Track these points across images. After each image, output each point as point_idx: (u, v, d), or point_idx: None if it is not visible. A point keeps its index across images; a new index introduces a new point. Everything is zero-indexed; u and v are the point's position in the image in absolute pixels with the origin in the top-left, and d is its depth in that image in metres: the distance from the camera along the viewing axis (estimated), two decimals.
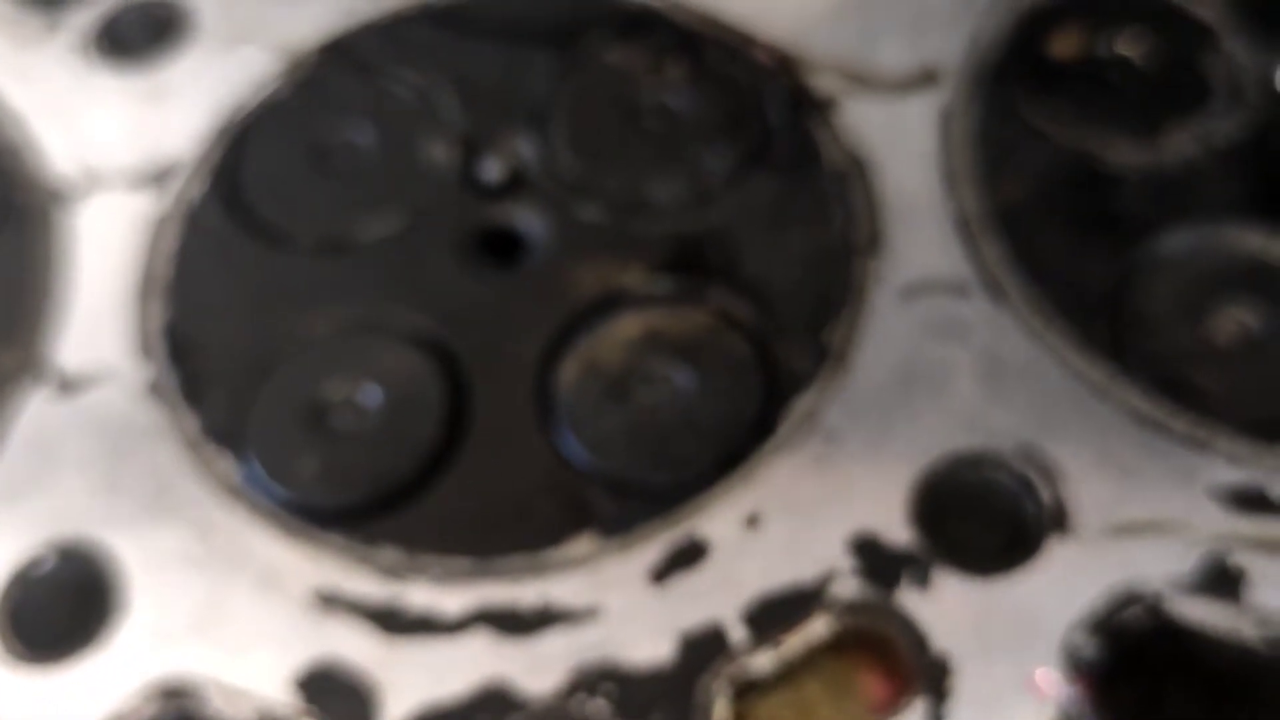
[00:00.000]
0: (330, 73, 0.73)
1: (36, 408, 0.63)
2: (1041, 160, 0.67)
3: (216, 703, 0.55)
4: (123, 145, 0.71)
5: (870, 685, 0.60)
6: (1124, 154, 0.66)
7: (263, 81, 0.73)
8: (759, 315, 0.63)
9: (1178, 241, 0.63)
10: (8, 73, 0.74)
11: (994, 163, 0.67)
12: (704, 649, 0.55)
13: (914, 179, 0.67)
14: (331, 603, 0.57)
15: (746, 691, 0.58)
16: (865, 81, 0.70)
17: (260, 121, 0.71)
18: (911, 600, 0.55)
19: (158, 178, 0.70)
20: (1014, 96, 0.68)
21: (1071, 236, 0.64)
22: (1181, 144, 0.66)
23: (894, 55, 0.70)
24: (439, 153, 0.69)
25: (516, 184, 0.68)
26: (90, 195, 0.70)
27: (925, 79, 0.69)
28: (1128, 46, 0.69)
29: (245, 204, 0.69)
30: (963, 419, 0.59)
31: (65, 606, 0.58)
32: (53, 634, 0.57)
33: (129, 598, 0.58)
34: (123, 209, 0.69)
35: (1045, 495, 0.57)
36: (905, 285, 0.63)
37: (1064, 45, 0.70)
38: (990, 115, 0.68)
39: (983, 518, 0.59)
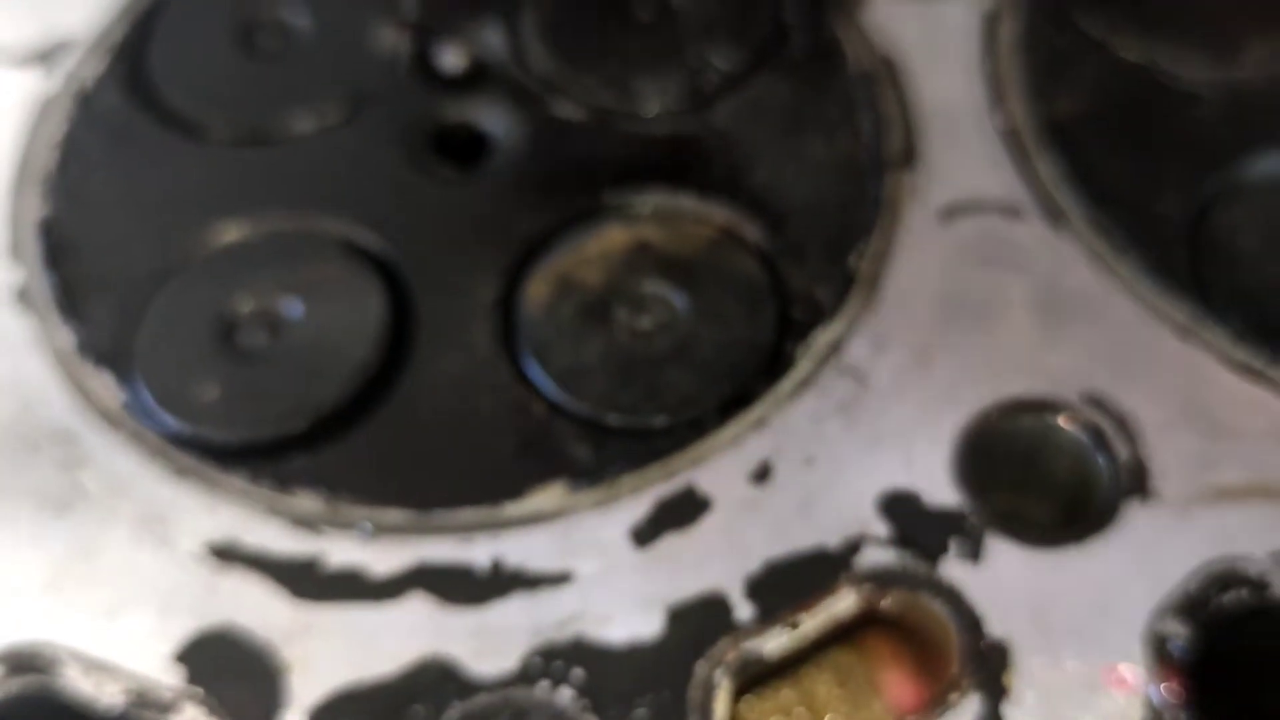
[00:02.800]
0: None
1: None
2: (1102, 73, 0.57)
3: (77, 679, 0.43)
4: (6, 15, 0.60)
5: (894, 684, 0.49)
6: (1198, 70, 0.57)
7: None
8: (771, 233, 0.52)
9: (1266, 166, 0.54)
10: None
11: (1047, 73, 0.57)
12: (701, 627, 0.44)
13: (954, 86, 0.57)
14: (229, 558, 0.46)
15: (746, 686, 0.47)
16: None
17: None
18: (960, 574, 0.45)
19: (46, 54, 0.59)
20: (1068, 3, 0.59)
21: (1140, 158, 0.54)
22: (1265, 60, 0.57)
23: None
24: (386, 35, 0.58)
25: (479, 75, 0.57)
26: None
27: None
28: None
29: (151, 87, 0.58)
30: (1019, 360, 0.49)
31: None
32: None
33: None
34: (2, 89, 0.57)
35: (1121, 451, 0.47)
36: (946, 204, 0.53)
37: None
38: (1042, 21, 0.58)
39: (1045, 477, 0.49)
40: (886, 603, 0.44)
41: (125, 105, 0.57)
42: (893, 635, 0.49)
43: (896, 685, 0.49)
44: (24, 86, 0.58)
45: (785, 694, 0.49)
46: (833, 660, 0.50)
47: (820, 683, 0.50)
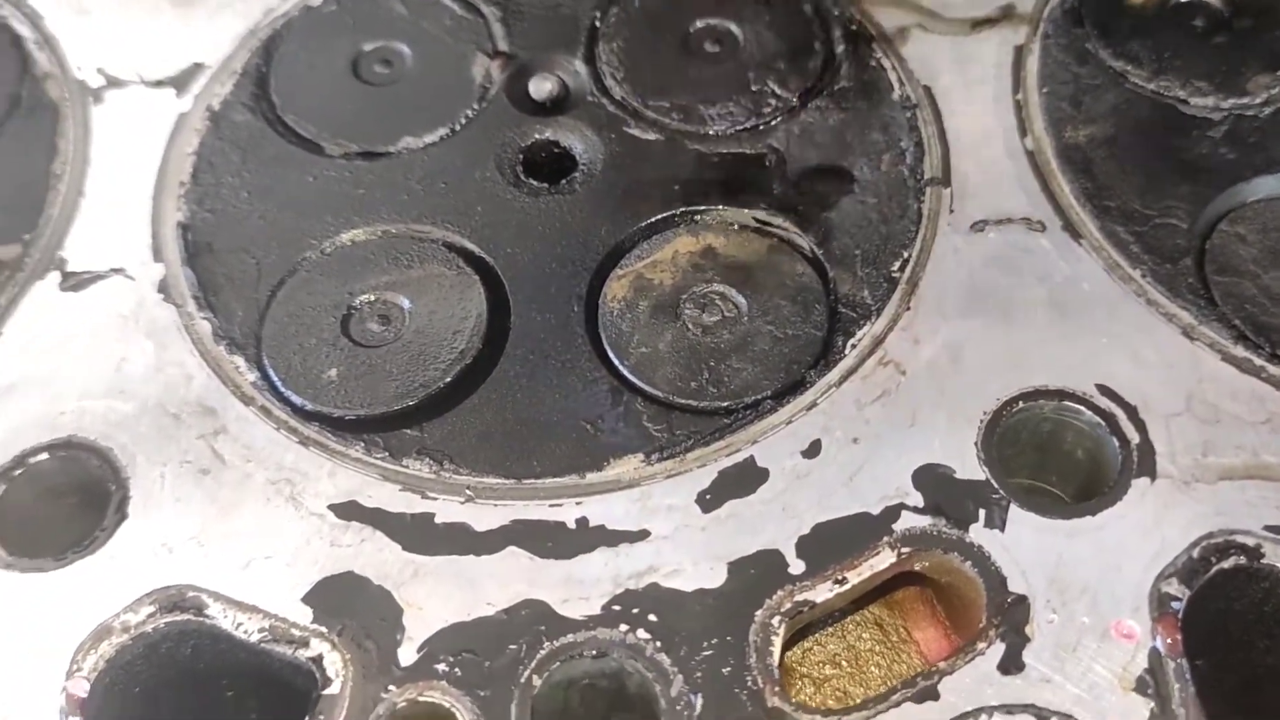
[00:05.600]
0: None
1: (41, 301, 0.58)
2: (1119, 101, 0.63)
3: (220, 616, 0.50)
4: (146, 46, 0.67)
5: (927, 637, 0.56)
6: (1206, 98, 0.63)
7: None
8: (822, 242, 0.59)
9: (1266, 186, 0.60)
10: None
11: (1069, 101, 0.63)
12: (759, 579, 0.50)
13: (986, 113, 0.63)
14: (349, 516, 0.52)
15: (795, 636, 0.54)
16: (936, 15, 0.66)
17: (295, 27, 0.67)
18: (987, 540, 0.51)
19: (181, 78, 0.66)
20: (1090, 38, 0.65)
21: (1153, 178, 0.60)
22: (1268, 90, 0.63)
23: None
24: (485, 67, 0.65)
25: (564, 100, 0.64)
26: (108, 93, 0.65)
27: (1000, 18, 0.66)
28: None
29: (273, 107, 0.65)
30: (1039, 354, 0.55)
31: (61, 507, 0.53)
32: (47, 535, 0.52)
33: (129, 504, 0.53)
34: (142, 108, 0.65)
35: (1132, 436, 0.53)
36: (976, 219, 0.59)
37: None
38: (1065, 55, 0.65)
39: (1064, 463, 0.55)
40: (922, 563, 0.51)
41: (251, 122, 0.64)
42: (925, 594, 0.55)
43: (929, 638, 0.55)
44: (160, 105, 0.65)
45: (831, 646, 0.56)
46: (873, 616, 0.57)
47: (862, 637, 0.56)
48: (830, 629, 0.56)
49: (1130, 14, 0.66)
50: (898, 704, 0.47)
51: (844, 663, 0.55)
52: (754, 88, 0.64)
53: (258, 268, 0.59)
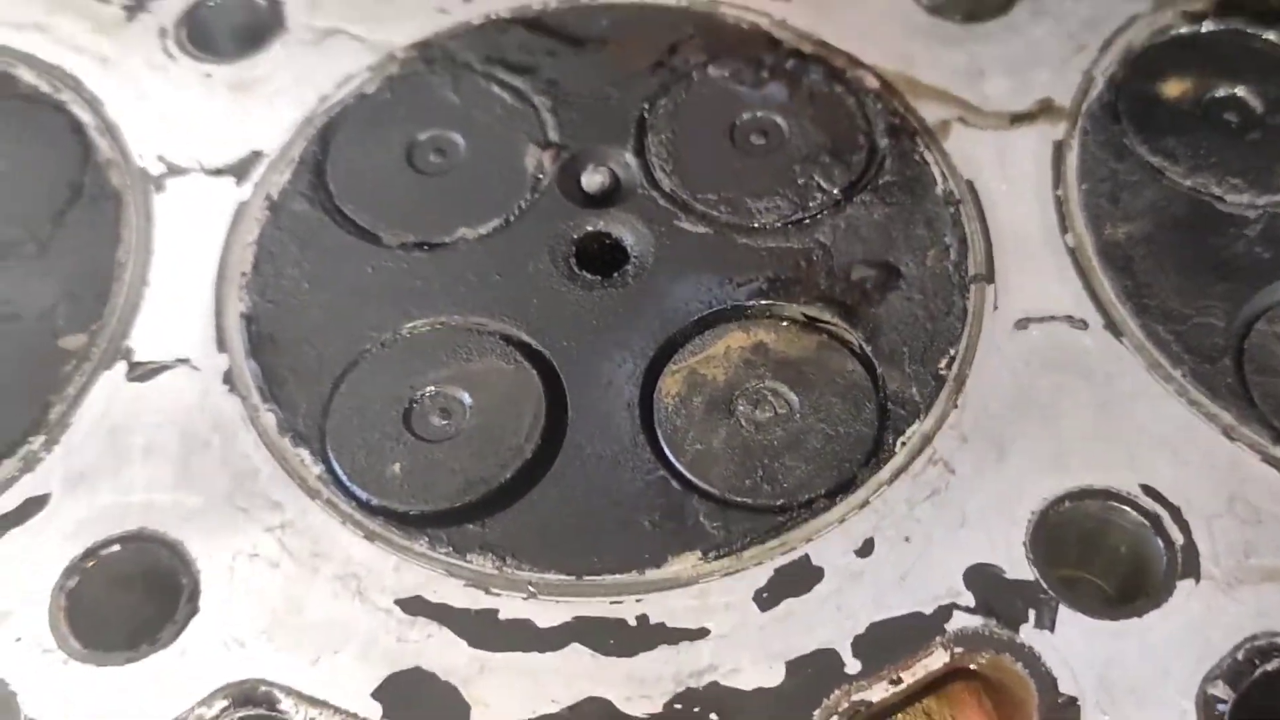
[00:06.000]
0: (425, 71, 0.71)
1: (107, 394, 0.60)
2: (1156, 198, 0.65)
3: (293, 712, 0.51)
4: (205, 132, 0.69)
5: None
6: (1242, 195, 0.64)
7: (352, 76, 0.71)
8: (871, 338, 0.60)
9: None
10: (86, 56, 0.72)
11: (1107, 198, 0.65)
12: (817, 679, 0.51)
13: (1026, 210, 0.65)
14: (416, 611, 0.54)
15: None
16: (976, 109, 0.68)
17: (349, 115, 0.69)
18: (1037, 640, 0.52)
19: (240, 167, 0.67)
20: (1128, 134, 0.67)
21: (1190, 276, 0.62)
22: None
23: (1005, 87, 0.69)
24: (537, 158, 0.67)
25: (616, 194, 0.66)
26: (169, 181, 0.67)
27: (1039, 112, 0.68)
28: (1243, 90, 0.68)
29: (330, 197, 0.66)
30: (1083, 453, 0.57)
31: (132, 603, 0.55)
32: (119, 630, 0.53)
33: (199, 597, 0.54)
34: (202, 196, 0.67)
35: (1175, 537, 0.54)
36: (1019, 316, 0.61)
37: (1178, 87, 0.68)
38: (1103, 150, 0.66)
39: (1109, 557, 0.57)
40: (975, 663, 0.52)
41: (309, 212, 0.65)
42: (973, 686, 0.56)
43: None
44: (220, 193, 0.66)
45: None
46: (921, 706, 0.58)
47: None
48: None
49: (1166, 108, 0.67)
50: None
51: None
52: (799, 181, 0.65)
53: (319, 359, 0.61)
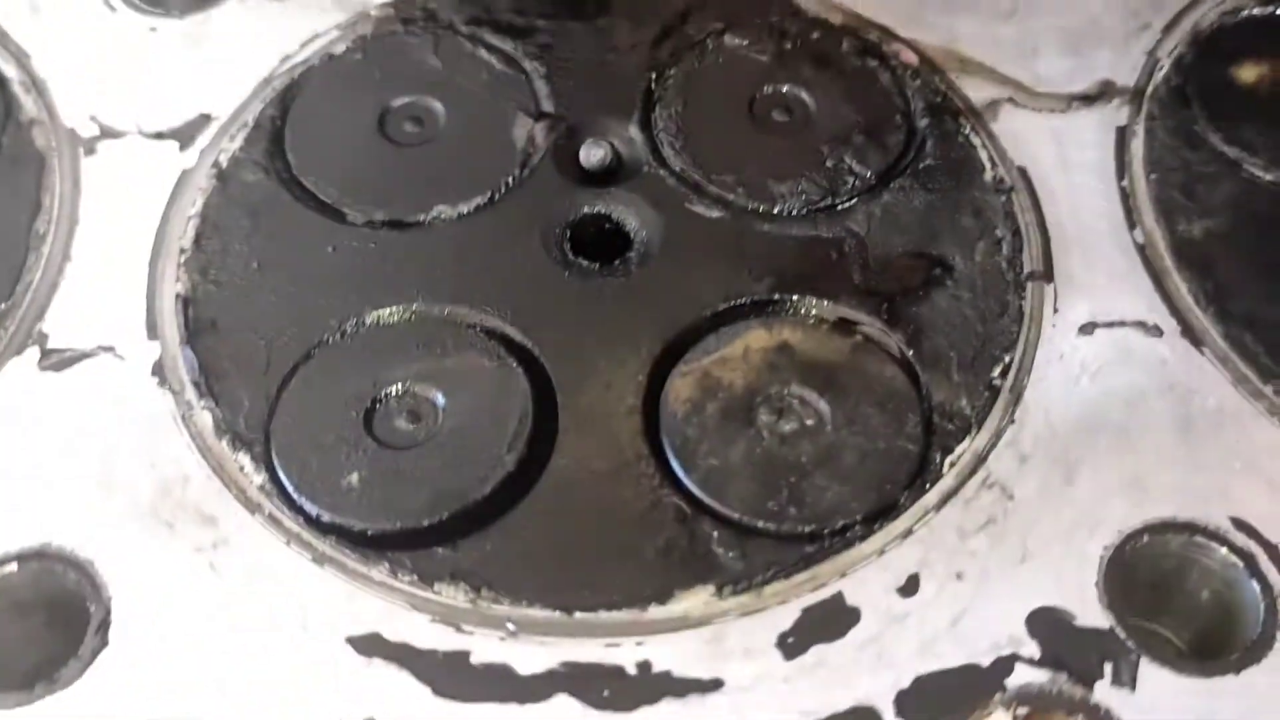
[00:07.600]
0: (402, 31, 0.62)
1: (16, 382, 0.51)
2: (1236, 192, 0.57)
3: None
4: (146, 92, 0.60)
5: None
6: None
7: (319, 34, 0.62)
8: (912, 341, 0.52)
9: None
10: (14, 2, 0.63)
11: (1180, 190, 0.57)
12: None
13: (1088, 201, 0.57)
14: (372, 653, 0.45)
15: None
16: (1029, 90, 0.60)
17: (314, 77, 0.60)
18: (1115, 700, 0.44)
19: (185, 130, 0.59)
20: (1199, 121, 0.59)
21: (1279, 279, 0.54)
22: None
23: (1061, 66, 0.61)
24: (527, 129, 0.58)
25: (618, 172, 0.57)
26: (101, 144, 0.58)
27: (1099, 93, 0.60)
28: None
29: (289, 166, 0.58)
30: (1162, 479, 0.49)
31: (29, 634, 0.46)
32: (11, 668, 0.45)
33: (110, 629, 0.45)
34: (139, 162, 0.58)
35: (1273, 580, 0.46)
36: (1084, 320, 0.53)
37: (1254, 71, 0.61)
38: (1173, 138, 0.59)
39: (1186, 604, 0.48)
40: None
41: (263, 182, 0.57)
42: None
43: None
44: (160, 159, 0.58)
45: None
46: None
47: None
48: None
49: (1241, 94, 0.60)
50: None
51: None
52: (828, 163, 0.57)
53: (268, 350, 0.52)
